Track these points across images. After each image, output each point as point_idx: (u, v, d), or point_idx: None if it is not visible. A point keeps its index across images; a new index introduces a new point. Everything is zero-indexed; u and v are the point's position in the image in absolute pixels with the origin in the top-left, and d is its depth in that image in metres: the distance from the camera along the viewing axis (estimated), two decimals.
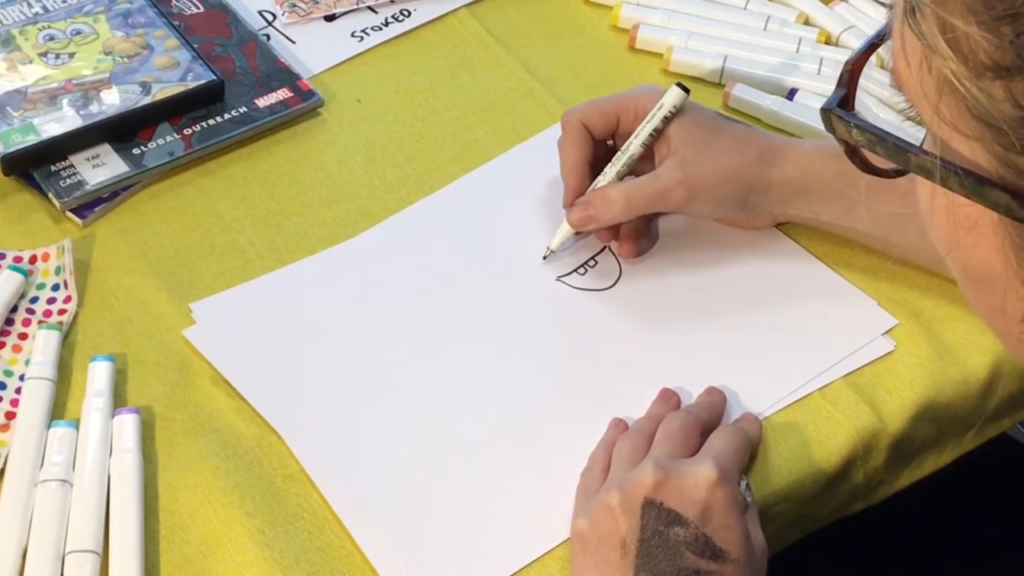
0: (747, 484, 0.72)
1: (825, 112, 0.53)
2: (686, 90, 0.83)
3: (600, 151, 0.86)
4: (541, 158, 0.90)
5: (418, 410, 0.78)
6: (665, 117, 0.83)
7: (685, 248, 0.88)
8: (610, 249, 0.87)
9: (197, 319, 0.83)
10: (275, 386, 0.79)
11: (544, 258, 0.86)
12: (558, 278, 0.86)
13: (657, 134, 0.83)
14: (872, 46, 0.55)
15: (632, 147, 0.84)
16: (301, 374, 0.80)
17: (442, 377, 0.80)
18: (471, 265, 0.86)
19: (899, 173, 0.53)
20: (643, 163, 0.85)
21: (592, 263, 0.87)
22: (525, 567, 0.72)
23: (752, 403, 0.80)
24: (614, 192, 0.83)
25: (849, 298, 0.85)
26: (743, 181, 0.83)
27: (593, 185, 0.85)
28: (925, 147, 0.49)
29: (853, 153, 0.54)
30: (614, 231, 0.86)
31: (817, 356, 0.82)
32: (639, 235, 0.87)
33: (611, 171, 0.84)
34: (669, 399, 0.79)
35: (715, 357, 0.82)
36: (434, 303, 0.84)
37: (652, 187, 0.83)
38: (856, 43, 1.02)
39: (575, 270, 0.86)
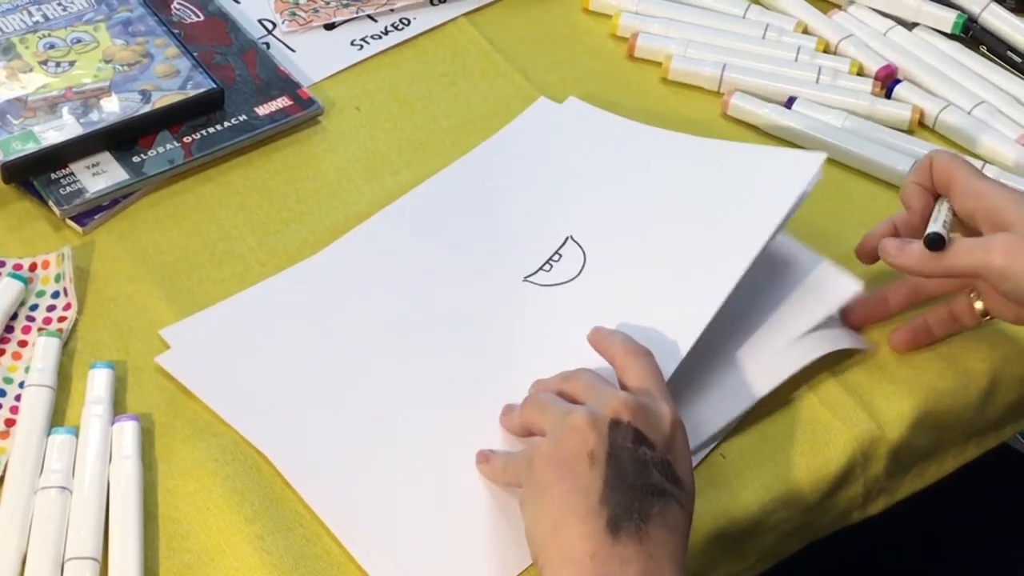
0: None
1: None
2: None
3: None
4: (514, 148, 0.92)
5: (397, 418, 0.78)
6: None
7: (655, 215, 0.87)
8: None
9: (170, 344, 0.82)
10: (253, 405, 0.79)
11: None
12: (525, 278, 0.85)
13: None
14: None
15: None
16: (277, 391, 0.80)
17: (419, 385, 0.80)
18: (437, 272, 0.86)
19: None
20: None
21: (556, 258, 0.86)
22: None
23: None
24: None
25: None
26: None
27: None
28: None
29: None
30: (884, 308, 0.84)
31: (783, 331, 0.81)
32: (922, 336, 0.83)
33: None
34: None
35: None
36: (404, 312, 0.84)
37: (970, 243, 0.76)
38: (855, 52, 1.03)
39: (540, 268, 0.86)
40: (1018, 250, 0.73)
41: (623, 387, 0.73)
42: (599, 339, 0.76)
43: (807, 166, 0.83)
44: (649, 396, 0.71)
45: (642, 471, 0.66)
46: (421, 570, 0.72)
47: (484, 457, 0.75)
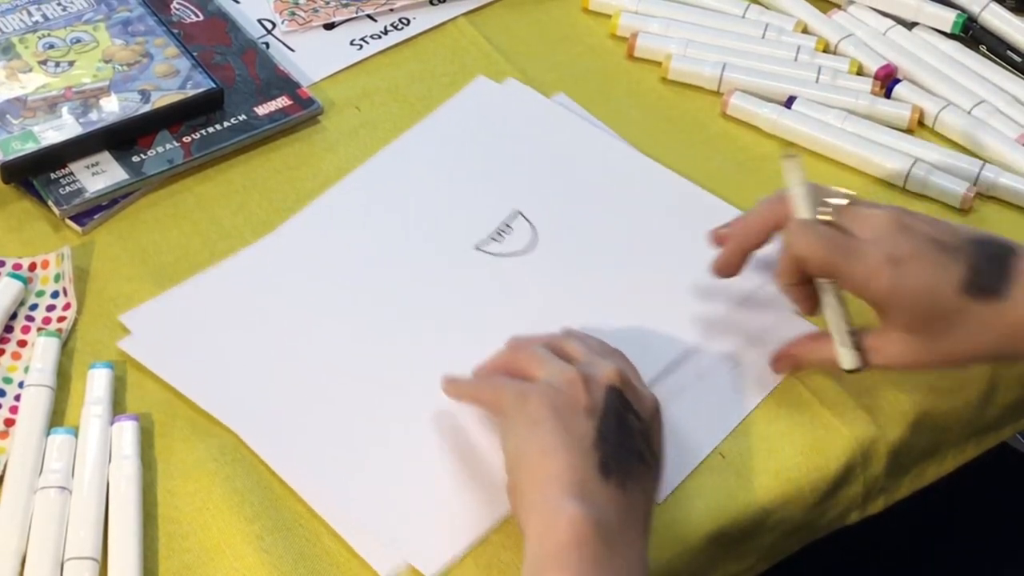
0: None
1: None
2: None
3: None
4: (456, 123, 0.96)
5: (357, 384, 0.80)
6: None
7: (599, 203, 0.91)
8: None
9: (131, 329, 0.83)
10: (217, 382, 0.80)
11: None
12: (476, 247, 0.88)
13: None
14: None
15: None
16: (239, 367, 0.81)
17: (378, 352, 0.82)
18: (390, 244, 0.88)
19: None
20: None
21: (506, 228, 0.89)
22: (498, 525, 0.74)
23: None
24: None
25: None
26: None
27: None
28: None
29: None
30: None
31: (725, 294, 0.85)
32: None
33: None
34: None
35: (633, 312, 0.84)
36: (360, 283, 0.86)
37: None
38: (854, 52, 1.03)
39: (490, 237, 0.88)
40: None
41: None
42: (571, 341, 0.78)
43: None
44: (635, 377, 0.74)
45: (629, 435, 0.69)
46: (390, 530, 0.73)
47: (453, 378, 0.77)
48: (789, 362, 0.81)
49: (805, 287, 0.77)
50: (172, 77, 0.95)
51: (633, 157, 0.94)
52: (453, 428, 0.78)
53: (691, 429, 0.79)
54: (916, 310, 0.73)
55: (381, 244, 0.88)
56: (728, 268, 0.81)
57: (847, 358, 0.76)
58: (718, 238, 0.81)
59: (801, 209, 0.76)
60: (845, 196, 0.76)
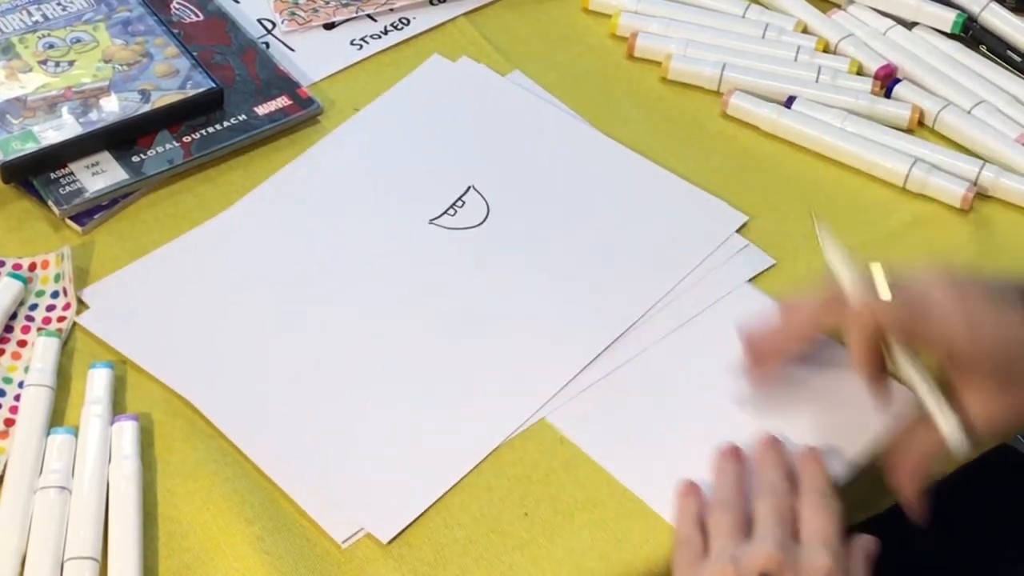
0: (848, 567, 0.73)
1: None
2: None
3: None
4: (412, 101, 0.98)
5: (313, 357, 0.81)
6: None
7: (551, 177, 0.93)
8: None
9: (90, 304, 0.84)
10: (179, 358, 0.81)
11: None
12: (430, 221, 0.89)
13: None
14: None
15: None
16: (196, 340, 0.82)
17: (335, 325, 0.83)
18: (346, 218, 0.90)
19: None
20: None
21: (460, 203, 0.90)
22: (452, 488, 0.75)
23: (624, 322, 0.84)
24: None
25: (699, 202, 0.91)
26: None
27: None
28: None
29: None
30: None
31: (672, 264, 0.87)
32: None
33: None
34: (737, 459, 0.77)
35: (583, 284, 0.86)
36: (316, 258, 0.87)
37: None
38: (854, 51, 1.03)
39: (445, 212, 0.90)
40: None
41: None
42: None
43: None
44: (809, 546, 0.71)
45: None
46: (346, 497, 0.75)
47: (688, 494, 0.75)
48: (913, 469, 0.77)
49: (881, 373, 0.75)
50: (172, 77, 0.95)
51: (585, 132, 0.96)
52: (409, 397, 0.79)
53: None
54: (995, 356, 0.72)
55: (336, 219, 0.90)
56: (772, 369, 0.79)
57: (952, 427, 0.73)
58: (757, 343, 0.79)
59: (880, 289, 0.73)
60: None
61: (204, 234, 0.89)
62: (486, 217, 0.90)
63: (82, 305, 0.84)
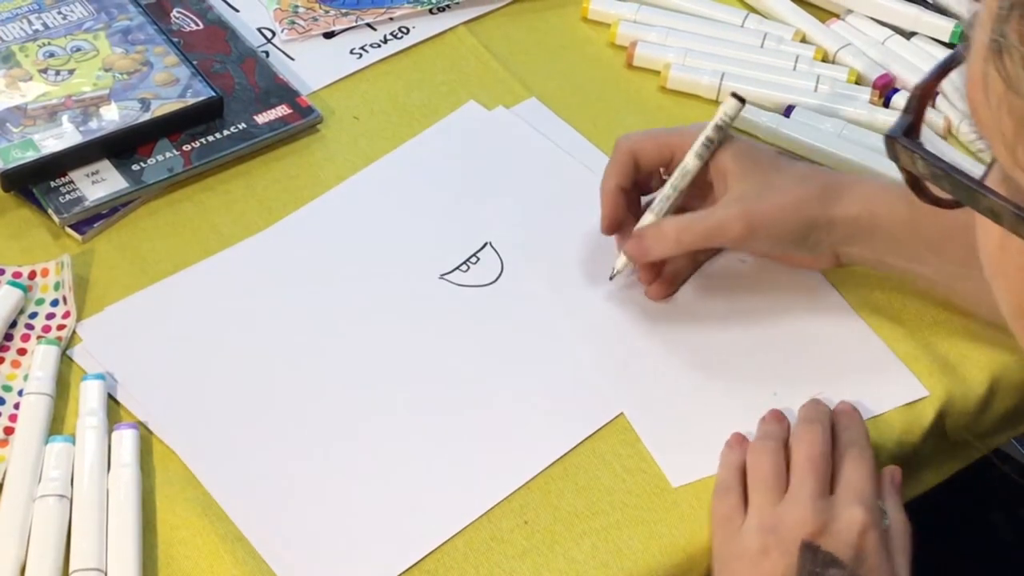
0: (884, 511, 0.74)
1: (889, 140, 0.50)
2: (742, 100, 0.82)
3: (649, 182, 0.86)
4: (441, 148, 0.95)
5: (310, 413, 0.79)
6: (718, 126, 0.82)
7: (571, 246, 0.89)
8: (637, 277, 0.86)
9: (83, 338, 0.82)
10: (163, 398, 0.79)
11: (610, 278, 0.85)
12: (441, 276, 0.87)
13: (711, 144, 0.82)
14: (943, 71, 0.52)
15: (687, 160, 0.82)
16: (189, 383, 0.80)
17: (333, 379, 0.81)
18: (356, 267, 0.88)
19: (959, 204, 0.50)
20: (700, 201, 0.84)
21: (474, 260, 0.88)
22: (427, 556, 0.73)
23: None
24: (668, 225, 0.81)
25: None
26: (805, 216, 0.80)
27: (646, 205, 0.84)
28: (989, 183, 0.46)
29: (915, 184, 0.52)
30: (658, 269, 0.85)
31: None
32: (679, 279, 0.86)
33: (666, 188, 0.83)
34: (781, 419, 0.79)
35: (586, 358, 0.83)
36: (318, 306, 0.85)
37: (709, 220, 0.80)
38: (853, 61, 1.03)
39: (457, 267, 0.87)
40: (754, 217, 0.79)
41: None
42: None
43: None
44: (843, 500, 0.72)
45: None
46: (316, 561, 0.73)
47: (734, 444, 0.77)
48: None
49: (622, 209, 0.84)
50: (172, 85, 0.95)
51: None
52: (401, 458, 0.77)
53: None
54: (741, 158, 0.82)
55: (343, 266, 0.88)
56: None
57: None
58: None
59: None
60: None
61: (206, 271, 0.87)
62: (499, 276, 0.87)
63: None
